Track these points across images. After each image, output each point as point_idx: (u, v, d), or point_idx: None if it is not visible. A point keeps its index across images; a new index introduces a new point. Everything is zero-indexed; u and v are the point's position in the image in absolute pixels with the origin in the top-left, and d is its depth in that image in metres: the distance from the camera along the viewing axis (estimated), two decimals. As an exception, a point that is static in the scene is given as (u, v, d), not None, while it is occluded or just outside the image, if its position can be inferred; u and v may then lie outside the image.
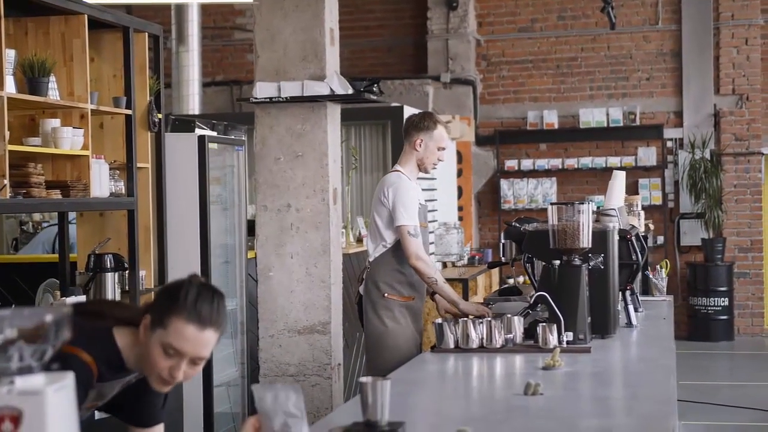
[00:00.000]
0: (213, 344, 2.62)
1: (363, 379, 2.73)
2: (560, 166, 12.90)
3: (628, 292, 5.16)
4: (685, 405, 8.43)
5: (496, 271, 11.48)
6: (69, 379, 1.80)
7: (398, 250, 5.27)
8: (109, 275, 5.48)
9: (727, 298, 12.36)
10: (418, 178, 5.54)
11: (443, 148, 5.43)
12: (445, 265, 10.79)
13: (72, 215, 6.13)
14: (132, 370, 2.75)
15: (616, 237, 4.76)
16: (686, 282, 12.64)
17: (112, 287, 5.48)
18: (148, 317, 2.64)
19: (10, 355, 1.75)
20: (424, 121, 5.41)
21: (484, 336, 4.30)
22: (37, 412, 1.72)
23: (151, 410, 2.89)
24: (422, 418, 3.04)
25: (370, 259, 5.38)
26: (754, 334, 12.68)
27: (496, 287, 10.71)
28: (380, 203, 5.31)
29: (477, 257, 11.32)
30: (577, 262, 4.46)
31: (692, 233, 12.70)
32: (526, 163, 12.99)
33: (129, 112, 5.69)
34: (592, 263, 4.53)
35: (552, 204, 4.52)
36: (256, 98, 6.04)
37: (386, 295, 5.27)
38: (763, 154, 12.70)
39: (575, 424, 3.01)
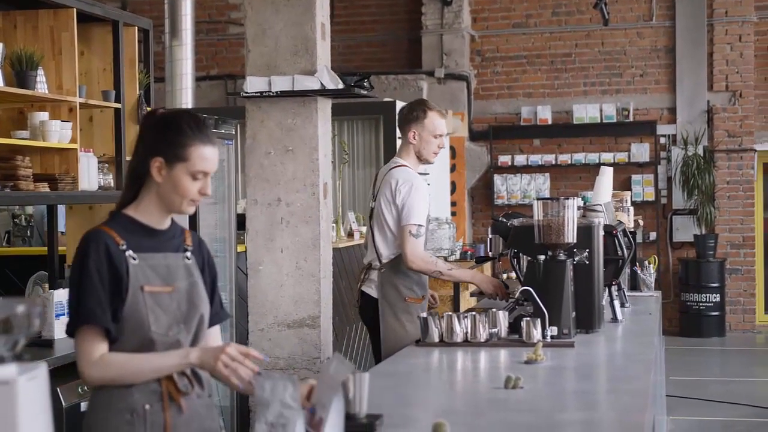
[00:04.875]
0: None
1: (341, 371, 2.75)
2: (554, 162, 12.92)
3: (614, 288, 5.16)
4: (674, 400, 8.46)
5: (488, 266, 11.51)
6: (41, 369, 1.82)
7: None
8: (98, 268, 5.48)
9: (718, 294, 12.40)
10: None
11: (440, 135, 5.25)
12: (437, 260, 10.80)
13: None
14: (159, 230, 2.92)
15: (602, 232, 4.77)
16: (678, 278, 12.67)
17: (100, 280, 5.48)
18: (159, 159, 2.85)
19: (-19, 345, 1.77)
20: (413, 112, 5.26)
21: (469, 330, 4.32)
22: (8, 402, 1.74)
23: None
24: (401, 411, 3.06)
25: (383, 260, 5.19)
26: (746, 330, 12.71)
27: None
28: (390, 202, 5.15)
29: (470, 252, 11.35)
30: (562, 257, 4.47)
31: (685, 229, 12.72)
32: (520, 159, 13.01)
33: (118, 105, 5.70)
34: (577, 258, 4.54)
35: (537, 199, 4.53)
36: (246, 93, 6.06)
37: (407, 299, 5.16)
38: (755, 150, 12.73)
39: (552, 417, 3.03)
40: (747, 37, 12.68)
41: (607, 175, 5.73)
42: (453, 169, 12.50)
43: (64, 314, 4.91)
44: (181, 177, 2.85)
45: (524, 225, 4.72)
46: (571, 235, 4.46)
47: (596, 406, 3.26)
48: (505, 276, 12.66)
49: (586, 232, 4.61)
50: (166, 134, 2.87)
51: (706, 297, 12.36)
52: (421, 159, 5.29)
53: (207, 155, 2.86)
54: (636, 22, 12.95)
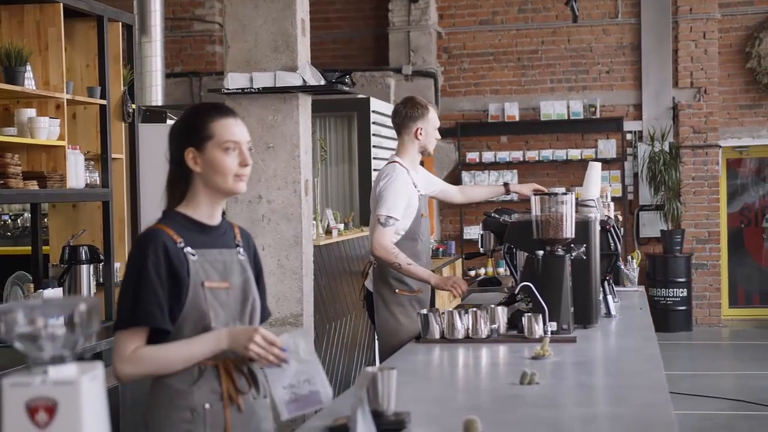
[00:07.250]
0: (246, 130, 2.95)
1: (370, 368, 2.72)
2: (521, 159, 12.95)
3: (606, 283, 5.18)
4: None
5: (459, 263, 11.52)
6: (99, 368, 1.78)
7: (403, 243, 5.18)
8: (84, 267, 5.40)
9: (685, 289, 12.51)
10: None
11: (437, 127, 5.46)
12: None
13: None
14: (212, 226, 2.91)
15: (598, 227, 4.78)
16: (645, 273, 12.75)
17: (87, 279, 5.40)
18: (190, 150, 2.86)
19: (42, 344, 1.72)
20: (416, 109, 5.36)
21: (470, 326, 4.30)
22: (71, 402, 1.70)
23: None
24: (424, 408, 3.03)
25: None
26: (712, 324, 12.83)
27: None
28: (374, 197, 5.25)
29: (441, 249, 11.37)
30: (561, 252, 4.47)
31: (651, 225, 12.83)
32: (488, 156, 13.03)
33: (104, 102, 5.61)
34: (574, 253, 4.54)
35: (535, 194, 4.53)
36: (227, 89, 6.00)
37: (397, 291, 5.21)
38: (720, 146, 12.85)
39: (576, 413, 3.03)
40: (711, 34, 12.79)
41: (596, 170, 5.75)
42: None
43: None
44: (215, 154, 2.85)
45: (521, 221, 4.71)
46: (569, 231, 4.46)
47: (617, 402, 3.24)
48: (472, 273, 12.68)
49: (583, 227, 4.62)
50: (187, 126, 2.91)
51: (673, 292, 12.47)
52: (424, 153, 5.44)
53: (229, 125, 2.88)
54: (602, 19, 13.02)
